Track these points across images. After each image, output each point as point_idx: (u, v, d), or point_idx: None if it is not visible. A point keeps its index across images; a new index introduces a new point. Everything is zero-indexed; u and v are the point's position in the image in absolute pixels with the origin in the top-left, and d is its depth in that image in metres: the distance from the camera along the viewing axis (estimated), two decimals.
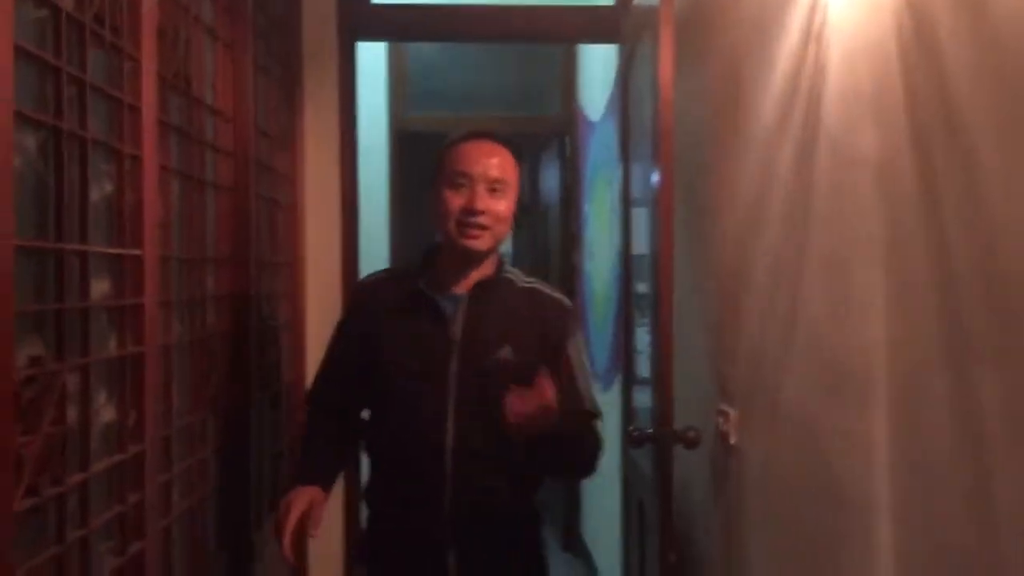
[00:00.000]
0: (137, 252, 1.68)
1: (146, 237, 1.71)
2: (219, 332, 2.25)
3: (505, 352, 1.92)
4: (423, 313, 1.97)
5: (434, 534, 1.93)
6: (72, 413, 1.44)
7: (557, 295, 2.05)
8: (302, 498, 1.95)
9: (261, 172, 2.62)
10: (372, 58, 4.68)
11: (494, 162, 1.93)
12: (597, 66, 4.45)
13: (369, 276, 2.16)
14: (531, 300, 2.01)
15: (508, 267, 2.06)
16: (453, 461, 1.90)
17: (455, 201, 1.91)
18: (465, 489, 1.91)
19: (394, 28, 3.39)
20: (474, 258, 1.96)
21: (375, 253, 4.69)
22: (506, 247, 2.52)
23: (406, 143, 5.19)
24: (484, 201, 1.90)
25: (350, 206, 3.22)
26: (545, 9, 3.31)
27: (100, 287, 1.57)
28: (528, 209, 6.07)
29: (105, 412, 1.60)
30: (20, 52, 1.25)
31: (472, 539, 1.93)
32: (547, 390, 1.70)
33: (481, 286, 1.97)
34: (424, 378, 1.93)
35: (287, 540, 1.90)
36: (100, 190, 1.57)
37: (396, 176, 5.06)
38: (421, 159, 6.65)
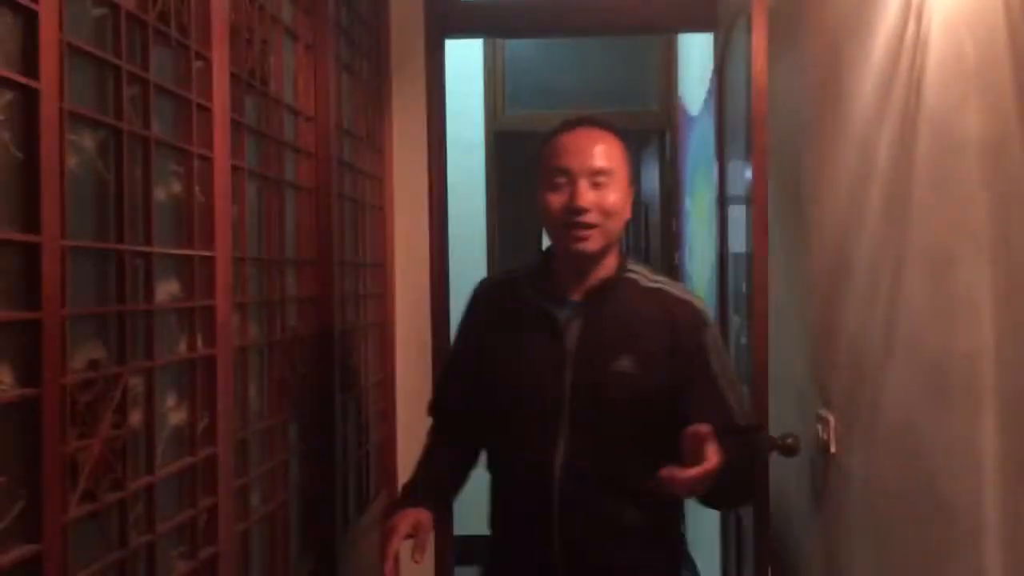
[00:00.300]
0: (208, 253, 1.66)
1: (218, 238, 1.69)
2: (301, 334, 2.23)
3: (624, 363, 1.72)
4: (536, 323, 1.81)
5: (543, 561, 1.77)
6: (136, 416, 1.43)
7: (688, 296, 1.82)
8: (407, 521, 1.77)
9: (345, 172, 2.60)
10: (468, 56, 4.66)
11: (595, 150, 1.73)
12: (696, 57, 4.31)
13: (488, 278, 2.02)
14: (657, 303, 1.78)
15: (632, 264, 1.85)
16: (561, 485, 1.73)
17: (556, 201, 1.74)
18: (575, 516, 1.73)
19: (483, 24, 3.34)
20: (587, 260, 1.78)
21: (472, 253, 4.66)
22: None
23: (503, 142, 5.15)
24: (587, 197, 1.71)
25: (439, 206, 3.19)
26: (637, 0, 3.20)
27: (168, 288, 1.56)
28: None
29: (174, 415, 1.58)
30: (74, 51, 1.23)
31: (585, 569, 1.76)
32: (710, 459, 1.46)
33: (599, 289, 1.78)
34: (535, 395, 1.77)
35: (389, 567, 1.72)
36: (167, 190, 1.55)
37: (493, 176, 5.02)
38: (519, 158, 6.61)
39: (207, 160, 1.67)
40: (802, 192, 2.25)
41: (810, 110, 2.19)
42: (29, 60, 1.08)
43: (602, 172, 1.73)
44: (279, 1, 2.11)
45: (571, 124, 1.79)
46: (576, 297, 1.79)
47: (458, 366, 1.97)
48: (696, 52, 4.25)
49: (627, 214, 1.77)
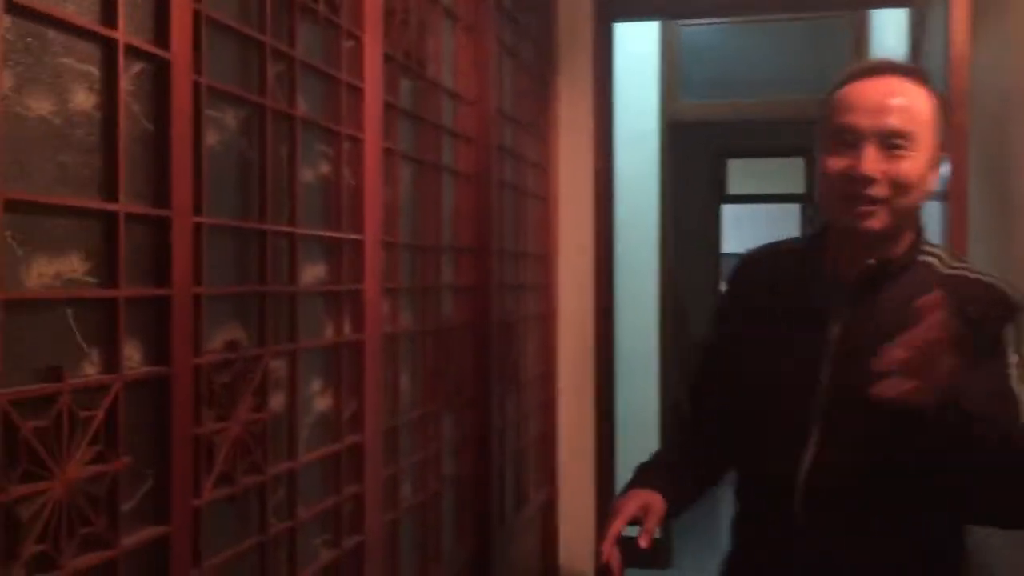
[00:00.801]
0: (357, 236, 1.63)
1: (367, 222, 1.65)
2: (457, 323, 2.18)
3: None
4: (796, 308, 1.50)
5: None
6: (278, 400, 1.40)
7: (992, 279, 1.42)
8: (636, 502, 1.52)
9: (507, 159, 2.54)
10: (642, 42, 4.51)
11: (893, 104, 1.38)
12: (889, 38, 4.00)
13: (749, 252, 1.69)
14: (953, 291, 1.31)
15: (929, 245, 1.48)
16: (804, 507, 1.42)
17: (837, 166, 1.40)
18: (817, 545, 1.42)
19: (655, 5, 3.20)
20: (869, 241, 1.44)
21: (643, 246, 4.52)
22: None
23: (679, 133, 4.97)
24: (874, 162, 1.37)
25: (604, 197, 3.08)
26: None
27: (314, 271, 1.53)
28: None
29: (320, 401, 1.55)
30: (214, 24, 1.21)
31: None
32: (937, 322, 1.13)
33: (879, 272, 1.44)
34: (783, 394, 1.48)
35: (608, 547, 1.49)
36: (314, 171, 1.53)
37: (667, 167, 4.85)
38: (695, 150, 6.39)
39: (358, 142, 1.63)
40: (1009, 189, 2.00)
41: (1021, 89, 1.95)
42: (160, 30, 1.06)
43: (899, 134, 1.37)
44: None
45: (865, 71, 1.44)
46: (851, 280, 1.47)
47: (714, 356, 1.68)
48: (890, 33, 3.95)
49: (929, 187, 1.43)
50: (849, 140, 1.39)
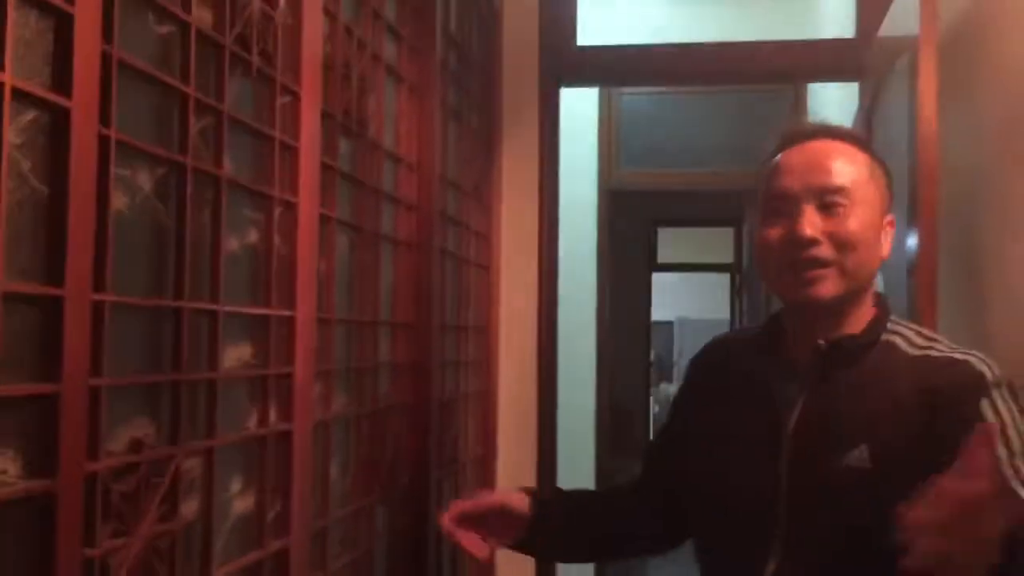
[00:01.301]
0: (288, 313, 1.45)
1: (299, 296, 1.47)
2: (394, 404, 1.99)
3: (857, 455, 1.23)
4: (752, 397, 1.38)
5: None
6: (191, 507, 1.20)
7: (964, 355, 1.25)
8: (492, 494, 1.49)
9: (449, 227, 2.38)
10: (580, 111, 4.45)
11: (826, 163, 1.28)
12: (830, 110, 3.99)
13: (712, 339, 1.59)
14: (920, 372, 1.26)
15: (896, 323, 1.34)
16: None
17: (774, 235, 1.30)
18: None
19: (604, 72, 3.11)
20: (822, 313, 1.31)
21: (580, 317, 4.40)
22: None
23: (615, 200, 4.90)
24: (812, 224, 1.26)
25: (549, 267, 2.94)
26: (772, 45, 2.93)
27: (237, 353, 1.34)
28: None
29: (239, 502, 1.35)
30: (127, 69, 1.03)
31: None
32: (980, 478, 0.89)
33: (836, 352, 1.31)
34: (741, 492, 1.34)
35: (446, 518, 1.44)
36: (241, 240, 1.35)
37: (605, 236, 4.76)
38: (629, 217, 6.35)
39: (291, 206, 1.46)
40: (981, 270, 1.92)
41: (990, 164, 1.87)
42: (60, 73, 0.88)
43: (833, 190, 1.27)
44: (381, 37, 1.92)
45: (797, 135, 1.34)
46: (804, 363, 1.34)
47: (669, 437, 1.56)
48: (831, 105, 3.93)
49: (880, 250, 1.31)
50: (784, 207, 1.29)
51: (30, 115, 0.85)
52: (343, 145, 1.72)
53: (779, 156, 1.34)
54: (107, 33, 0.96)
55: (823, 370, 1.31)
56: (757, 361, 1.40)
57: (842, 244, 1.26)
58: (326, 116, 1.60)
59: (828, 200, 1.27)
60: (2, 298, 0.80)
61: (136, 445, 1.07)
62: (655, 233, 8.23)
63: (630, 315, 6.76)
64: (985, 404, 1.19)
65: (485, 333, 2.81)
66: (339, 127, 1.68)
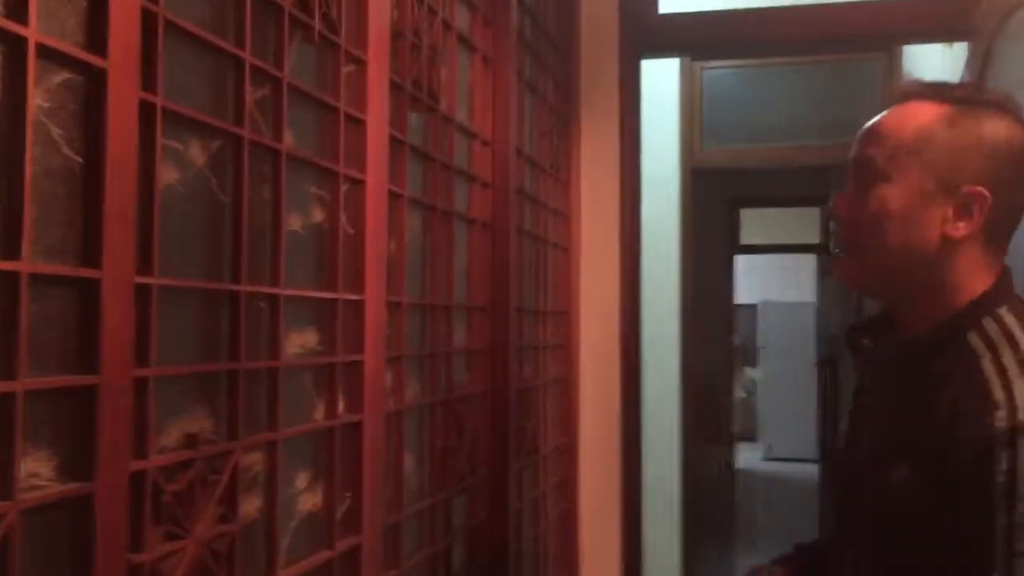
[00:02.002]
0: (356, 296, 1.36)
1: (368, 278, 1.38)
2: (470, 393, 1.90)
3: (900, 472, 1.06)
4: (859, 394, 1.27)
5: None
6: (253, 504, 1.12)
7: (992, 379, 1.00)
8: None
9: (526, 205, 2.27)
10: (661, 87, 4.29)
11: (869, 129, 1.12)
12: (927, 76, 3.76)
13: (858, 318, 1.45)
14: (963, 401, 1.02)
15: (994, 318, 1.06)
16: None
17: None
18: None
19: (686, 41, 2.95)
20: (884, 302, 1.21)
21: (664, 300, 4.25)
22: None
23: (697, 179, 4.72)
24: (845, 200, 1.14)
25: (631, 247, 2.80)
26: (867, 6, 2.72)
27: (301, 340, 1.25)
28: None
29: (306, 499, 1.27)
30: (175, 30, 0.94)
31: None
32: None
33: (901, 351, 1.15)
34: (842, 498, 1.24)
35: None
36: (304, 219, 1.26)
37: (687, 217, 4.59)
38: (711, 197, 6.15)
39: (358, 183, 1.37)
40: None
41: None
42: (94, 32, 0.79)
43: (863, 164, 1.11)
44: (452, 4, 1.81)
45: (893, 99, 1.15)
46: (882, 361, 1.20)
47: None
48: (930, 73, 3.70)
49: (909, 231, 1.08)
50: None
51: (60, 76, 0.77)
52: (413, 118, 1.62)
53: None
54: None
55: (894, 371, 1.15)
56: (872, 346, 1.25)
57: (857, 223, 1.12)
58: (394, 87, 1.51)
59: (862, 175, 1.11)
60: (28, 280, 0.71)
61: (190, 440, 0.99)
62: (738, 213, 7.99)
63: (712, 298, 6.57)
64: (1002, 456, 0.96)
65: (566, 316, 2.69)
66: (408, 99, 1.58)
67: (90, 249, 0.79)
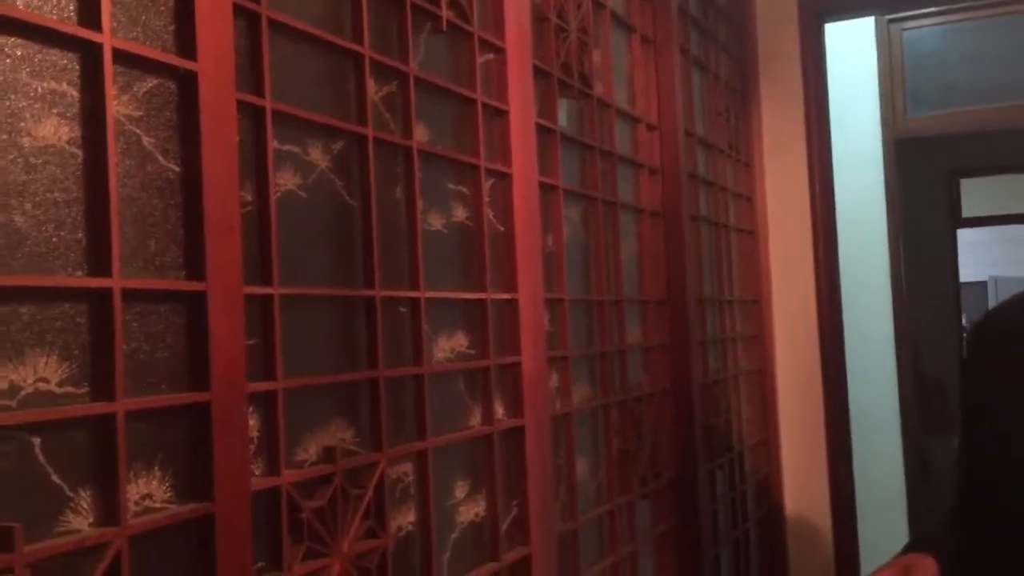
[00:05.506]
0: (508, 296, 1.29)
1: (521, 276, 1.31)
2: (648, 391, 1.79)
3: None
4: None
5: None
6: (405, 517, 1.07)
7: None
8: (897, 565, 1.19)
9: (700, 190, 2.14)
10: (855, 53, 4.00)
11: None
12: None
13: (994, 307, 1.32)
14: None
15: None
16: None
17: None
18: None
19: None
20: None
21: (871, 284, 3.95)
22: None
23: (904, 152, 4.36)
24: None
25: (825, 229, 2.59)
26: None
27: (450, 344, 1.20)
28: None
29: (467, 509, 1.21)
30: (276, 27, 0.91)
31: None
32: None
33: None
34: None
35: None
36: (445, 217, 1.20)
37: (895, 193, 4.26)
38: (922, 169, 5.70)
39: (503, 177, 1.30)
40: None
41: None
42: (180, 33, 0.76)
43: None
44: None
45: None
46: None
47: (968, 434, 1.29)
48: None
49: None
50: None
51: (149, 82, 0.74)
52: (565, 105, 1.54)
53: None
54: None
55: None
56: None
57: None
58: (540, 73, 1.43)
59: None
60: (121, 296, 0.68)
61: (328, 453, 0.95)
62: (957, 184, 7.39)
63: (934, 278, 6.08)
64: None
65: (757, 305, 2.53)
66: (557, 85, 1.50)
67: (193, 261, 0.76)
